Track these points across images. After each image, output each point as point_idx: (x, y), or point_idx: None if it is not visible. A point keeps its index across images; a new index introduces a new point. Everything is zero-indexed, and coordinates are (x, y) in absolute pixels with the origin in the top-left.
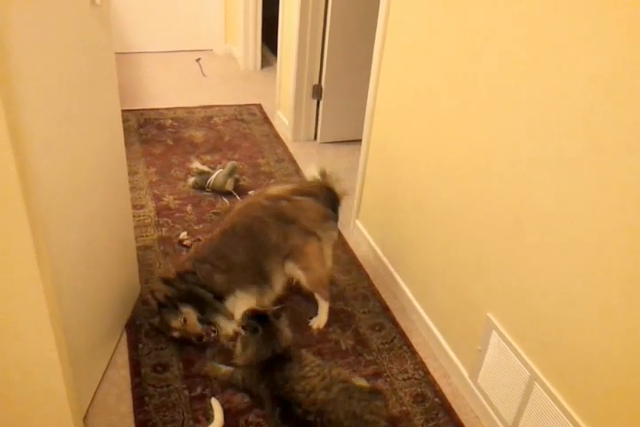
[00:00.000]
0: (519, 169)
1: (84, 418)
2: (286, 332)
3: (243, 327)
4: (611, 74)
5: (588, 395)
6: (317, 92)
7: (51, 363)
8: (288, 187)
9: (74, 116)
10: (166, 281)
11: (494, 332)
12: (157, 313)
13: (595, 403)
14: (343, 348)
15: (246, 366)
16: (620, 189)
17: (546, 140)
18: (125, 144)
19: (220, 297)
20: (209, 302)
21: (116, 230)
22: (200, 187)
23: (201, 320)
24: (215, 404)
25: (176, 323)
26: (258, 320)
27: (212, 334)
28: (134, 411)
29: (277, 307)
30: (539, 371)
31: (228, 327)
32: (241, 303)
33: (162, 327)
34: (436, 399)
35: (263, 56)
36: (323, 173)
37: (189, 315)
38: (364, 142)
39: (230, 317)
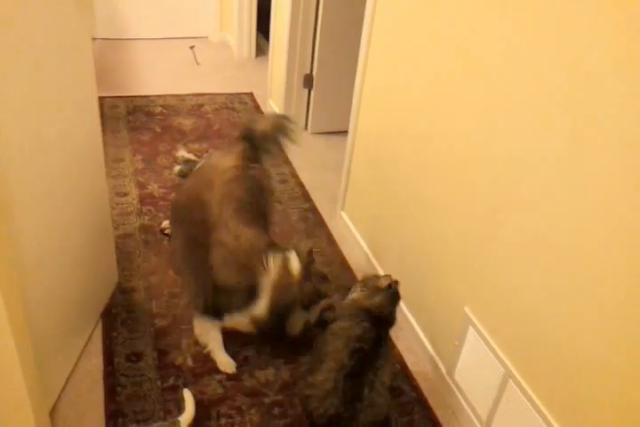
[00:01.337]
0: (499, 164)
1: (53, 407)
2: None
3: None
4: (596, 70)
5: (559, 393)
6: (309, 81)
7: (7, 355)
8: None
9: (42, 101)
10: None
11: (471, 327)
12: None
13: (566, 401)
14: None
15: None
16: (598, 185)
17: (526, 135)
18: (112, 131)
19: None
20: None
21: (92, 218)
22: (185, 175)
23: None
24: (187, 395)
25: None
26: None
27: None
28: (105, 401)
29: None
30: (513, 368)
31: None
32: None
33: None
34: (413, 394)
35: (258, 44)
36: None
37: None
38: (349, 134)
39: None
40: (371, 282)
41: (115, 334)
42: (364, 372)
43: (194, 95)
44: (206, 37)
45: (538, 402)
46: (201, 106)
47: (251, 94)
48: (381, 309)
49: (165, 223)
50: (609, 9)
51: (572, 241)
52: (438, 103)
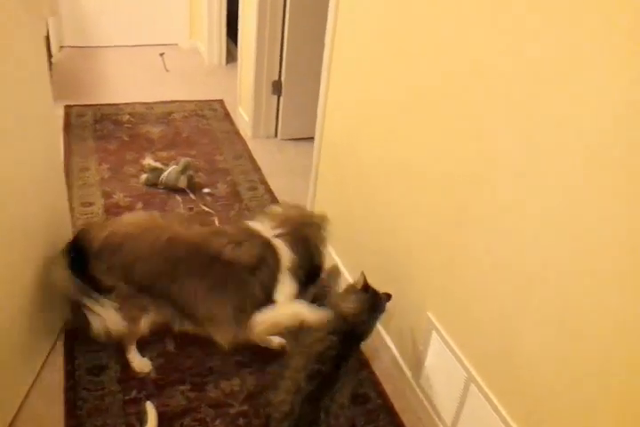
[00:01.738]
0: (463, 169)
1: (11, 424)
2: None
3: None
4: (551, 70)
5: (519, 396)
6: (277, 88)
7: None
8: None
9: None
10: None
11: (434, 332)
12: None
13: (525, 404)
14: (288, 348)
15: None
16: (559, 187)
17: (491, 136)
18: (79, 140)
19: None
20: None
21: (50, 228)
22: (152, 184)
23: None
24: (150, 407)
25: None
26: None
27: None
28: (65, 416)
29: None
30: (474, 372)
31: None
32: None
33: None
34: (379, 401)
35: (228, 51)
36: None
37: None
38: (316, 140)
39: None
40: (351, 289)
41: (76, 346)
42: (322, 396)
43: (163, 103)
44: (176, 44)
45: (499, 406)
46: (170, 113)
47: (221, 101)
48: (357, 316)
49: None
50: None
51: (533, 246)
52: (402, 108)
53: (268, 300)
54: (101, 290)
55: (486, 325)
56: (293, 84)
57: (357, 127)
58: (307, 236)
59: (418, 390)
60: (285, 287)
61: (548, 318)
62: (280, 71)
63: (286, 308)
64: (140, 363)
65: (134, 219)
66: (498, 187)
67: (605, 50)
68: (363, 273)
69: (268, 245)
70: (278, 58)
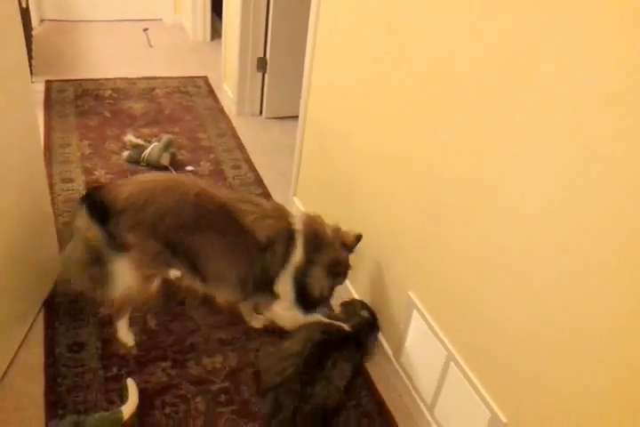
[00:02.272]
0: (444, 150)
1: None
2: None
3: None
4: (532, 66)
5: (497, 374)
6: (262, 64)
7: None
8: None
9: None
10: None
11: (415, 311)
12: None
13: (505, 383)
14: (270, 327)
15: None
16: (540, 170)
17: (470, 124)
18: (60, 116)
19: None
20: None
21: (30, 205)
22: (135, 161)
23: None
24: (130, 384)
25: None
26: None
27: None
28: (45, 392)
29: None
30: (454, 350)
31: None
32: None
33: None
34: (360, 378)
35: (214, 27)
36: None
37: None
38: (300, 118)
39: None
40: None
41: (57, 323)
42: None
43: (145, 79)
44: (160, 20)
45: (478, 384)
46: (152, 89)
47: (205, 78)
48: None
49: None
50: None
51: (511, 226)
52: (387, 87)
53: (266, 285)
54: (119, 249)
55: (466, 303)
56: (278, 62)
57: (342, 106)
58: (318, 250)
59: (399, 368)
60: (284, 284)
61: (527, 298)
62: (265, 48)
63: (288, 314)
64: (125, 335)
65: (154, 177)
66: (478, 170)
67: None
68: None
69: (286, 233)
70: (263, 34)
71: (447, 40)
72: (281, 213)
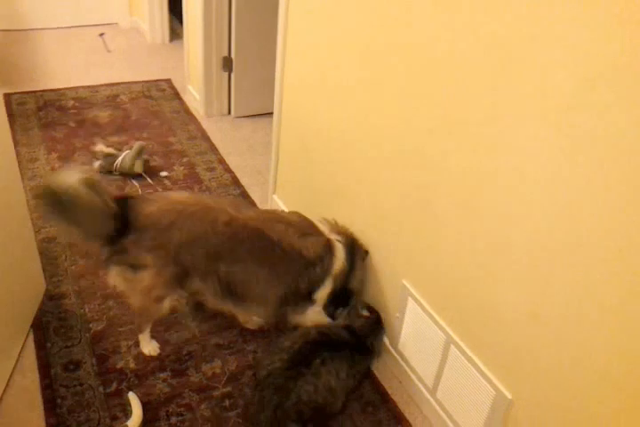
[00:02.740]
0: (432, 137)
1: None
2: None
3: None
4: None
5: (498, 352)
6: (227, 64)
7: None
8: None
9: None
10: None
11: (410, 298)
12: None
13: (504, 359)
14: (265, 327)
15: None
16: (533, 150)
17: (453, 109)
18: (24, 129)
19: None
20: None
21: (9, 224)
22: (107, 171)
23: None
24: (133, 398)
25: None
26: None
27: None
28: (45, 415)
29: None
30: (453, 333)
31: None
32: None
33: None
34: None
35: (172, 28)
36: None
37: None
38: (275, 115)
39: None
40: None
41: (48, 344)
42: (321, 350)
43: (108, 85)
44: (116, 24)
45: (479, 363)
46: (116, 96)
47: (169, 81)
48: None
49: None
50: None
51: (501, 210)
52: (365, 79)
53: (307, 296)
54: (127, 264)
55: (462, 286)
56: (244, 60)
57: (319, 100)
58: (356, 254)
59: (397, 356)
60: (325, 290)
61: (520, 277)
62: (229, 47)
63: (316, 316)
64: (150, 346)
65: (184, 198)
66: (466, 154)
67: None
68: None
69: (329, 246)
70: (227, 33)
71: (426, 27)
72: (312, 226)
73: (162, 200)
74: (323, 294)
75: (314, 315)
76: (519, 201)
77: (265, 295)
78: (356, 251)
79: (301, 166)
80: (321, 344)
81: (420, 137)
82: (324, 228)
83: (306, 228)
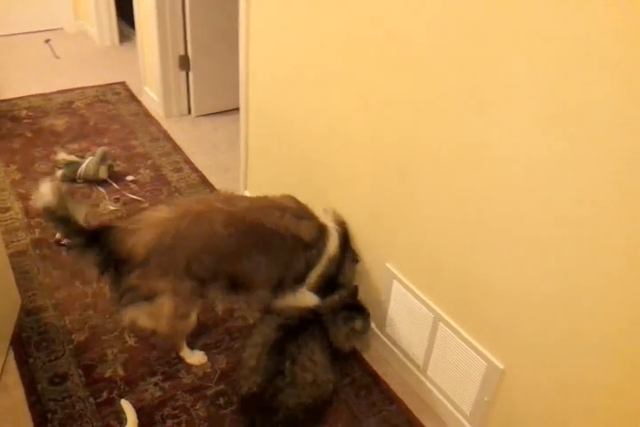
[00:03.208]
0: (403, 123)
1: None
2: None
3: None
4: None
5: (488, 326)
6: (184, 62)
7: None
8: None
9: None
10: None
11: (395, 281)
12: None
13: (495, 331)
14: (251, 322)
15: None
16: (505, 132)
17: (427, 88)
18: None
19: None
20: None
21: None
22: (70, 179)
23: None
24: (126, 405)
25: None
26: None
27: None
28: None
29: None
30: (441, 311)
31: None
32: None
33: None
34: (348, 354)
35: (120, 31)
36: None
37: None
38: (242, 111)
39: None
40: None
41: (31, 359)
42: (287, 344)
43: (61, 92)
44: (61, 29)
45: (469, 338)
46: (71, 102)
47: (123, 83)
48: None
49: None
50: None
51: (480, 186)
52: (334, 68)
53: (302, 279)
54: (140, 298)
55: (446, 265)
56: (201, 58)
57: (289, 91)
58: (348, 247)
59: (384, 338)
60: (315, 275)
61: (501, 249)
62: (185, 45)
63: (306, 297)
64: (196, 357)
65: (166, 214)
66: (442, 132)
67: None
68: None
69: (323, 230)
70: (182, 31)
71: (395, 14)
72: (306, 210)
73: (148, 224)
74: (314, 277)
75: (302, 296)
76: (498, 177)
77: (265, 280)
78: (348, 243)
79: (273, 159)
80: (285, 341)
81: (398, 120)
82: (320, 214)
83: (301, 211)
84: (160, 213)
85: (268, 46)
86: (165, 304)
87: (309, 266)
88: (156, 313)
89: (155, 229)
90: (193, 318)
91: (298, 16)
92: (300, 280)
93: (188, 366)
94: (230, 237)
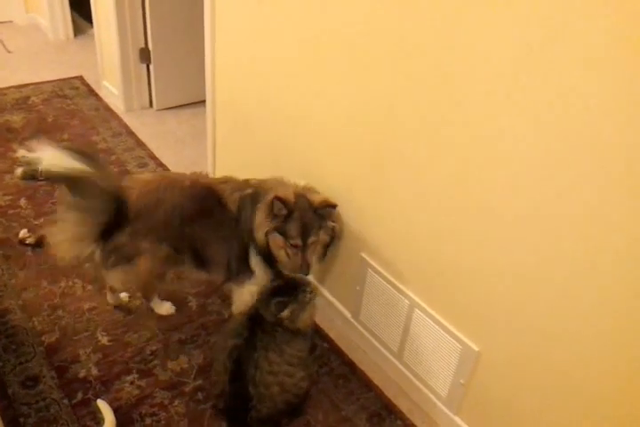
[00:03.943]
0: (376, 109)
1: None
2: None
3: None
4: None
5: (462, 309)
6: (145, 55)
7: None
8: None
9: None
10: None
11: (369, 270)
12: None
13: (469, 315)
14: (226, 317)
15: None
16: (480, 116)
17: (401, 70)
18: None
19: None
20: None
21: None
22: (31, 177)
23: None
24: (102, 405)
25: None
26: None
27: None
28: None
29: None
30: (416, 297)
31: None
32: None
33: None
34: (325, 344)
35: (74, 23)
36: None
37: None
38: (208, 102)
39: None
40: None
41: (0, 363)
42: (245, 370)
43: (15, 88)
44: (11, 22)
45: (444, 322)
46: (27, 98)
47: (80, 78)
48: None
49: (23, 232)
50: None
51: (452, 169)
52: (302, 57)
53: (245, 261)
54: (126, 259)
55: (420, 252)
56: (162, 50)
57: (253, 81)
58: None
59: (360, 327)
60: (254, 258)
61: (473, 236)
62: (146, 37)
63: (250, 297)
64: (165, 307)
65: (150, 176)
66: (412, 120)
67: None
68: None
69: (250, 200)
70: (142, 23)
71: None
72: (247, 183)
73: (138, 184)
74: (255, 261)
75: (248, 295)
76: (471, 160)
77: (216, 255)
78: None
79: (241, 150)
80: (244, 346)
81: (370, 107)
82: (266, 184)
83: (242, 184)
84: (144, 176)
85: (234, 35)
86: (143, 264)
87: (242, 243)
88: (134, 272)
89: (143, 187)
90: (167, 277)
91: (263, 4)
92: (244, 264)
93: (164, 363)
94: (188, 200)
